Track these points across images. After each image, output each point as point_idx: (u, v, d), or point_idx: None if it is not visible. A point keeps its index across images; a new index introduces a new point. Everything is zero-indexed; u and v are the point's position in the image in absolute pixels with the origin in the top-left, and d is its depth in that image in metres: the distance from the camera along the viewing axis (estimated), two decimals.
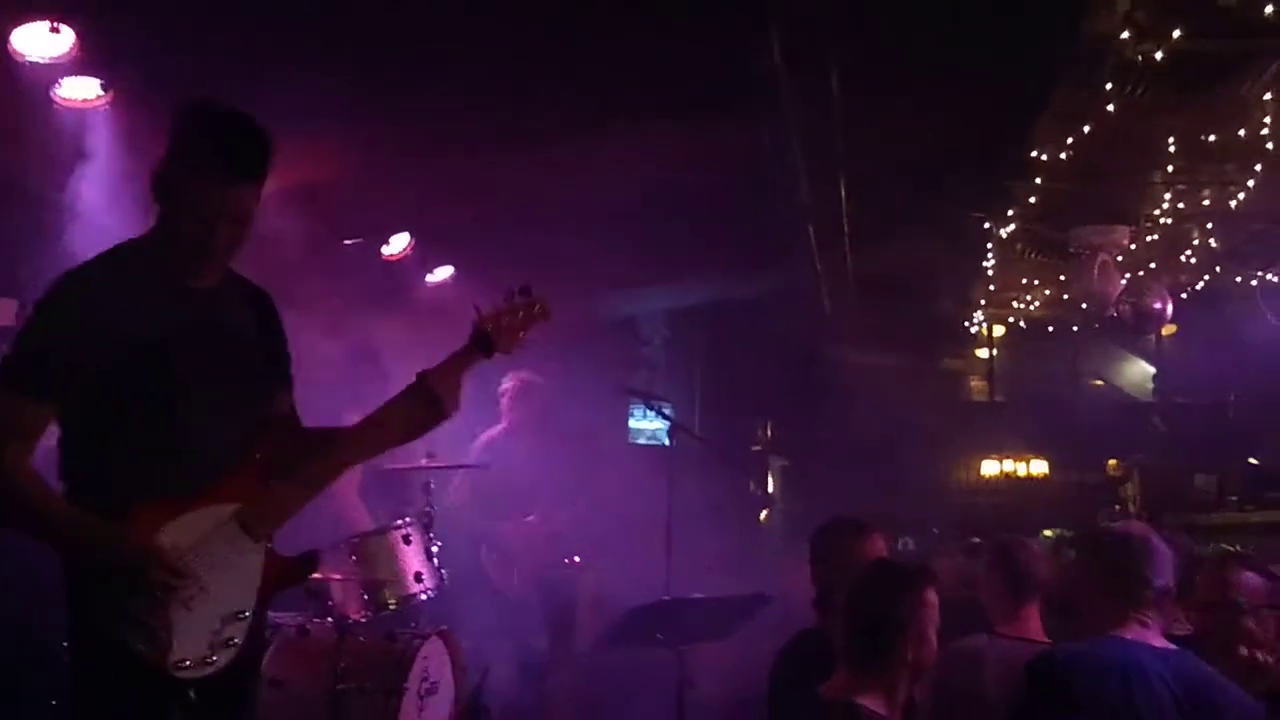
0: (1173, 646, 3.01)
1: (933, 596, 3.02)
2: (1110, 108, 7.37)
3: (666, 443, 5.71)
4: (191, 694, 2.60)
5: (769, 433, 15.79)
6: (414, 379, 2.92)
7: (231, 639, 2.66)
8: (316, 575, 4.54)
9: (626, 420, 11.35)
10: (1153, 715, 2.83)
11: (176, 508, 2.62)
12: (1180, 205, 10.11)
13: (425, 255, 7.42)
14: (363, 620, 4.69)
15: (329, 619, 4.63)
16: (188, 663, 2.58)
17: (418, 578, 4.83)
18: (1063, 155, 8.38)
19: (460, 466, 5.78)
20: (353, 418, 5.77)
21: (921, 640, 2.96)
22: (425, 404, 2.93)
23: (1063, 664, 3.01)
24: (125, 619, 2.53)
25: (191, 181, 2.73)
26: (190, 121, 2.80)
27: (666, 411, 6.00)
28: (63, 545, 2.63)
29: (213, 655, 2.62)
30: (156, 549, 2.56)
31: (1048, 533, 13.39)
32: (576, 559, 8.18)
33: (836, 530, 3.90)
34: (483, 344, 3.01)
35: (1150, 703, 2.86)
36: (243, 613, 2.70)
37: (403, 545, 4.86)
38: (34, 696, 4.33)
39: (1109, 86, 7.12)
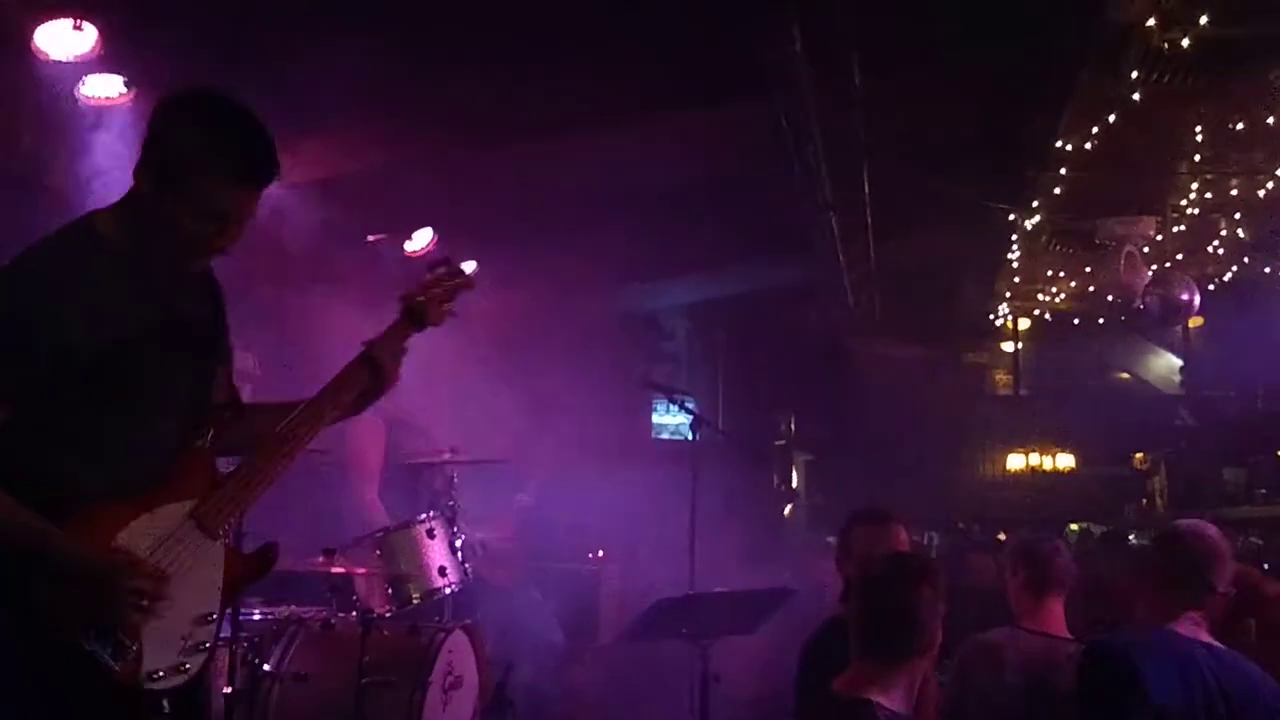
0: (1219, 645, 3.02)
1: (941, 590, 2.99)
2: (1136, 96, 7.31)
3: (690, 437, 5.68)
4: (166, 705, 2.43)
5: (793, 427, 15.74)
6: (360, 349, 2.89)
7: (202, 643, 2.53)
8: (340, 569, 4.56)
9: (650, 415, 11.35)
10: (1205, 709, 2.87)
11: (133, 510, 2.46)
12: (1207, 195, 10.02)
13: (448, 251, 7.41)
14: (387, 614, 4.69)
15: (353, 613, 4.64)
16: (161, 673, 2.42)
17: (441, 572, 4.83)
18: (1088, 145, 8.32)
19: (482, 461, 5.76)
20: (376, 414, 5.79)
21: (934, 633, 2.93)
22: (370, 373, 2.90)
23: (1125, 651, 3.02)
24: (92, 631, 2.33)
25: (205, 175, 2.53)
26: (206, 112, 2.61)
27: (690, 406, 5.98)
28: (14, 548, 2.33)
29: (186, 663, 2.48)
30: (133, 556, 2.40)
31: (1074, 526, 13.33)
32: (600, 554, 8.20)
33: (858, 521, 3.87)
34: (414, 318, 2.98)
35: (1204, 699, 2.91)
36: (210, 615, 2.56)
37: (426, 539, 4.87)
38: None
39: (1135, 75, 7.06)
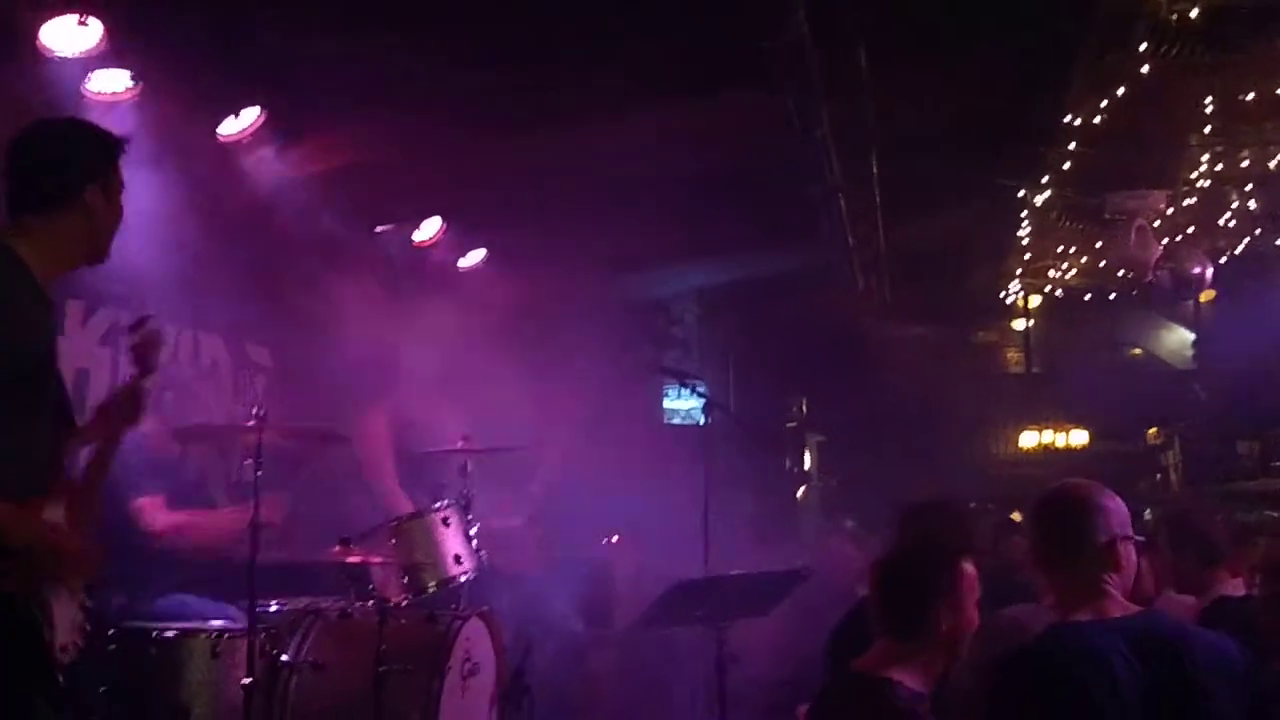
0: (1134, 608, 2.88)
1: (970, 569, 2.96)
2: (1145, 70, 7.26)
3: (701, 421, 5.68)
4: (62, 679, 2.71)
5: (804, 409, 15.73)
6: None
7: (84, 625, 2.83)
8: (356, 558, 4.58)
9: (661, 400, 11.35)
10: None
11: (39, 505, 2.75)
12: (1218, 167, 9.96)
13: (457, 240, 7.43)
14: (403, 603, 4.71)
15: (370, 602, 4.66)
16: (66, 649, 2.73)
17: (457, 560, 4.84)
18: (1096, 120, 8.27)
19: (496, 450, 5.77)
20: (388, 404, 5.81)
21: (958, 613, 2.90)
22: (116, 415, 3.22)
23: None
24: (41, 606, 2.64)
25: (110, 196, 2.94)
26: (94, 136, 2.99)
27: (701, 390, 5.99)
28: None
29: (77, 641, 2.78)
30: (83, 542, 2.76)
31: None
32: (614, 539, 8.21)
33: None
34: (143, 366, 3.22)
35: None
36: (85, 602, 2.84)
37: (441, 527, 4.88)
38: None
39: (1143, 48, 7.02)
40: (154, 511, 4.64)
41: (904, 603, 2.92)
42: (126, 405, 3.20)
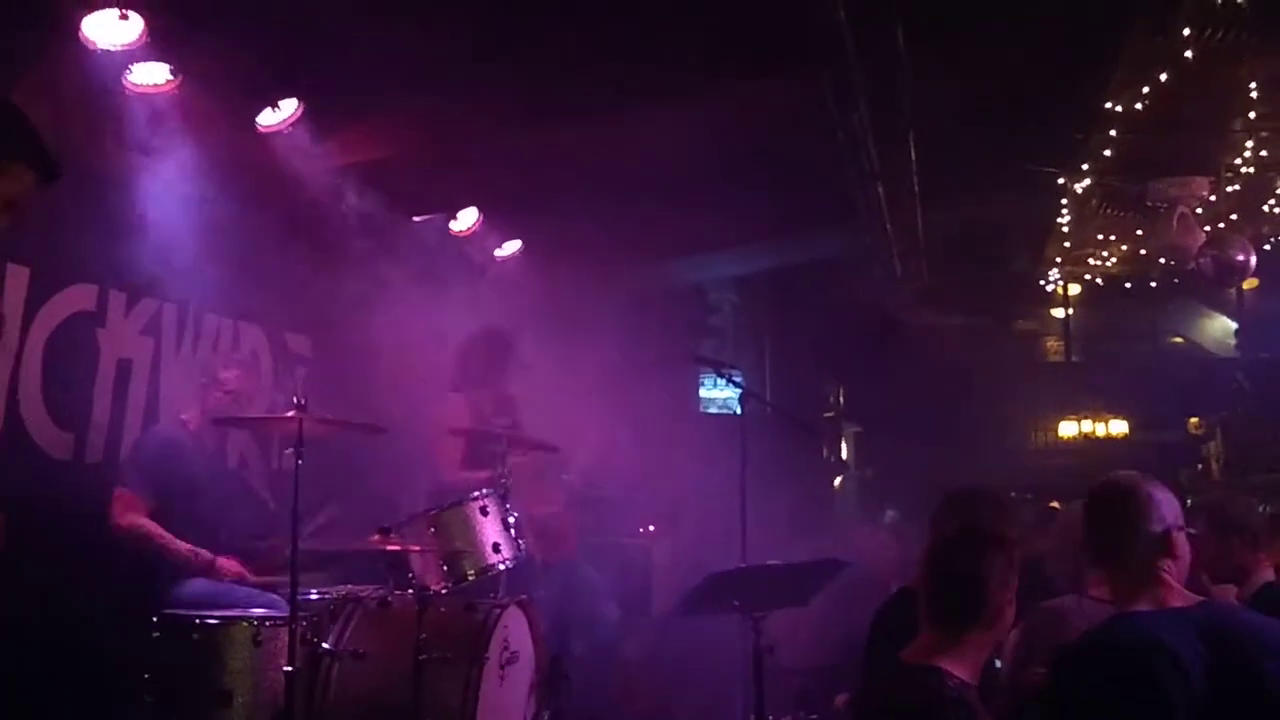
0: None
1: (1013, 562, 2.95)
2: (1188, 54, 7.16)
3: (738, 411, 5.65)
4: None
5: (841, 399, 15.67)
6: None
7: None
8: (394, 547, 4.60)
9: (697, 389, 11.33)
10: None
11: None
12: (1263, 153, 9.82)
13: (493, 230, 7.44)
14: (443, 591, 4.73)
15: (409, 590, 4.68)
16: None
17: (495, 548, 4.85)
18: (1138, 105, 8.18)
19: (534, 439, 5.79)
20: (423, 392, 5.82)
21: (1011, 603, 2.91)
22: None
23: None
24: None
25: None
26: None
27: (737, 379, 5.96)
28: None
29: None
30: None
31: None
32: (651, 528, 8.22)
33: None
34: None
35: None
36: None
37: (480, 516, 4.88)
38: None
39: (1186, 31, 6.92)
40: (125, 506, 4.66)
41: (960, 592, 2.89)
42: None
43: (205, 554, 4.66)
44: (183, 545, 4.65)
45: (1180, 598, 2.75)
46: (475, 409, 5.87)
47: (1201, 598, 2.84)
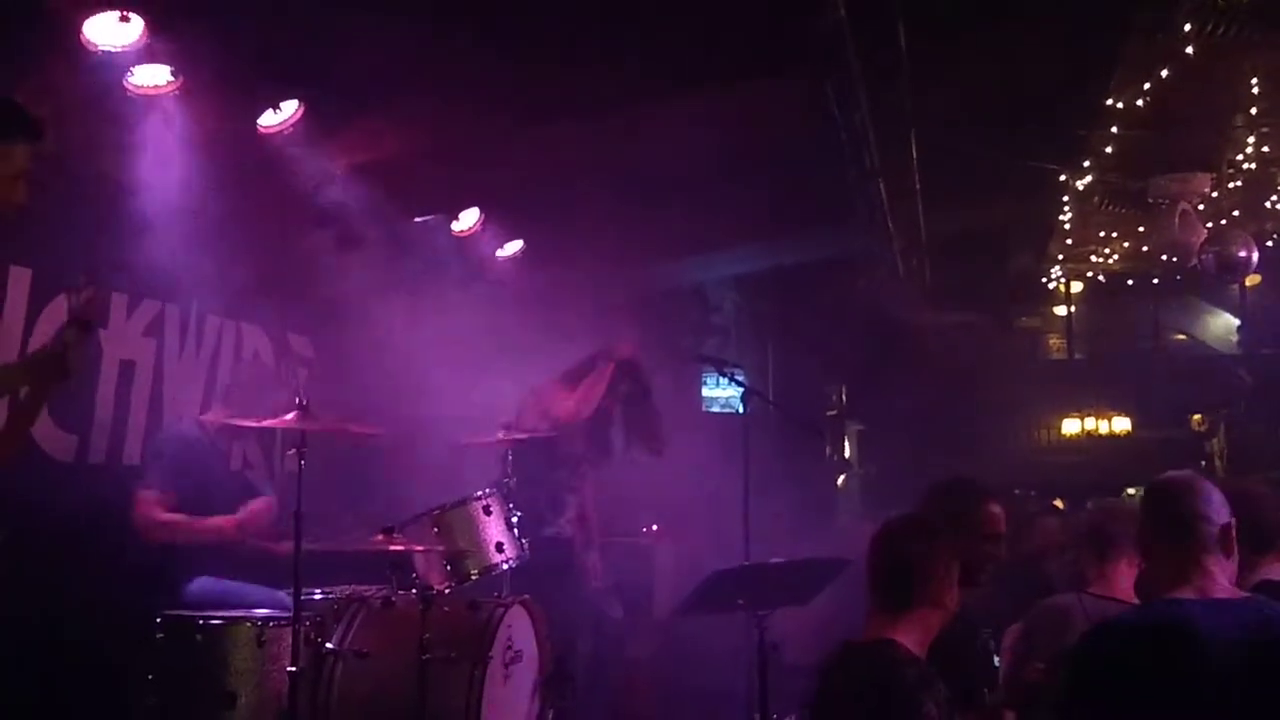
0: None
1: (947, 546, 3.15)
2: (1189, 50, 7.15)
3: (740, 410, 5.65)
4: None
5: (844, 397, 15.66)
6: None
7: None
8: (397, 547, 4.60)
9: (700, 388, 11.32)
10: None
11: None
12: (1265, 149, 9.81)
13: (495, 230, 7.44)
14: (446, 590, 4.73)
15: (413, 590, 4.68)
16: None
17: (499, 548, 4.85)
18: (1139, 102, 8.17)
19: (535, 435, 5.78)
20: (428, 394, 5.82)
21: (940, 589, 3.09)
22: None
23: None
24: None
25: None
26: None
27: (740, 378, 5.95)
28: None
29: None
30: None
31: (1130, 491, 13.18)
32: (654, 528, 8.21)
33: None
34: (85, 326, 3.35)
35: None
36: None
37: (483, 516, 4.89)
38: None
39: (1187, 28, 6.91)
40: (151, 507, 4.73)
41: (893, 575, 3.12)
42: (53, 363, 3.23)
43: (229, 519, 4.78)
44: (210, 522, 4.75)
45: (1225, 590, 2.76)
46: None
47: (1248, 593, 2.85)
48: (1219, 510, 2.83)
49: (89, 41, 4.48)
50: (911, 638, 3.02)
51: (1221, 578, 2.77)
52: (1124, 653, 2.69)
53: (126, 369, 5.24)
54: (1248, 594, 2.82)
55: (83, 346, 3.27)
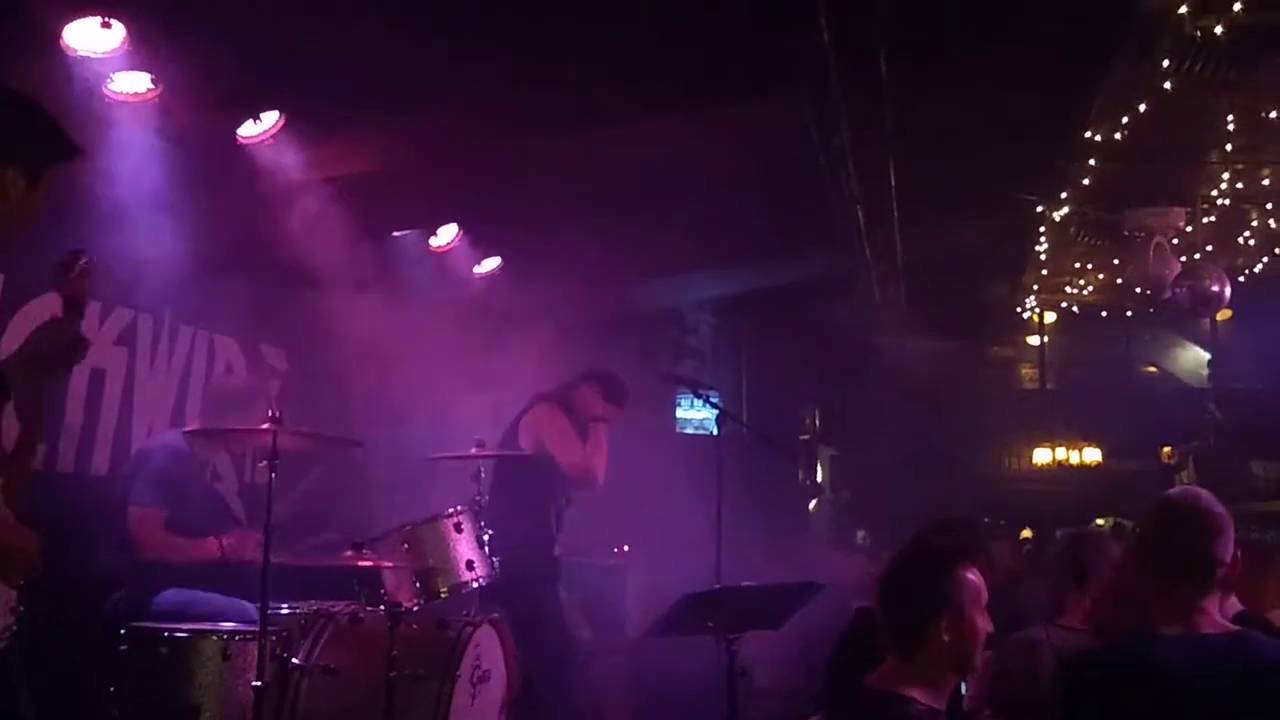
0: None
1: (972, 576, 2.85)
2: (1167, 85, 7.23)
3: (714, 432, 5.65)
4: None
5: (817, 422, 15.70)
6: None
7: (18, 607, 2.90)
8: (366, 563, 4.57)
9: (674, 410, 11.32)
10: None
11: None
12: (1238, 185, 9.93)
13: (473, 247, 7.43)
14: (415, 608, 4.69)
15: (381, 607, 4.64)
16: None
17: (469, 565, 4.82)
18: (1117, 135, 8.26)
19: (507, 455, 5.77)
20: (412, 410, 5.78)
21: (962, 622, 2.79)
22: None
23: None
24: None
25: (31, 188, 2.79)
26: (31, 122, 2.83)
27: (714, 400, 5.96)
28: None
29: (10, 623, 2.88)
30: (29, 530, 2.83)
31: (1100, 521, 13.26)
32: (625, 549, 8.18)
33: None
34: (76, 310, 3.10)
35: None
36: (18, 581, 2.92)
37: (454, 533, 4.86)
38: None
39: (1166, 63, 6.99)
40: (150, 526, 4.68)
41: (904, 617, 2.83)
42: (58, 348, 3.04)
43: (216, 544, 4.75)
44: (207, 545, 4.72)
45: (1214, 625, 2.73)
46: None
47: (1237, 627, 2.82)
48: (1227, 547, 2.77)
49: (69, 47, 4.45)
50: (931, 685, 2.78)
51: (1214, 612, 2.75)
52: (1100, 689, 2.67)
53: (97, 378, 5.20)
54: (1236, 629, 2.80)
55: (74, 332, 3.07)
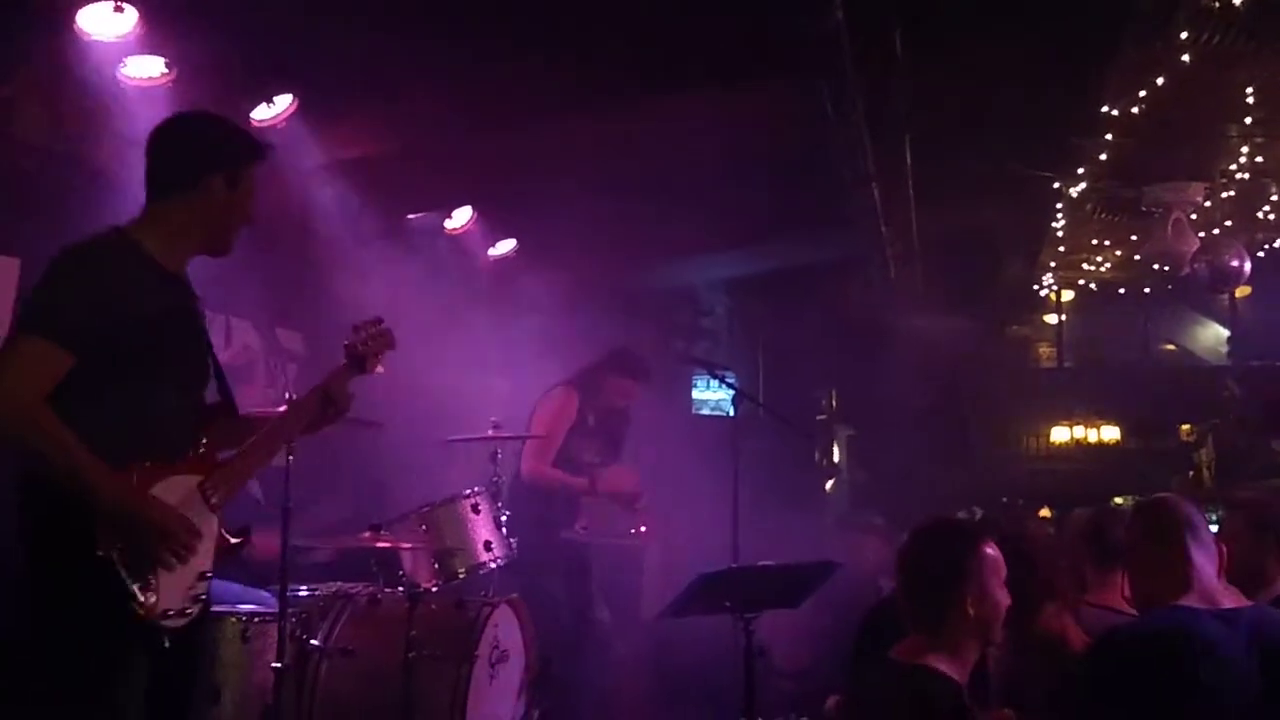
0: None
1: (992, 551, 2.91)
2: (1185, 58, 7.15)
3: (730, 413, 5.64)
4: (166, 642, 2.85)
5: (834, 402, 15.66)
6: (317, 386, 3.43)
7: (200, 594, 2.98)
8: (385, 544, 4.59)
9: (690, 390, 11.31)
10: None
11: (158, 473, 2.89)
12: (1258, 159, 9.83)
13: (488, 229, 7.43)
14: (433, 589, 4.71)
15: (400, 588, 4.66)
16: (171, 612, 2.85)
17: (487, 546, 4.83)
18: (1135, 110, 8.18)
19: (523, 437, 5.78)
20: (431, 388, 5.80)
21: (984, 596, 2.85)
22: (325, 404, 3.41)
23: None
24: (138, 569, 2.79)
25: (237, 191, 3.14)
26: (225, 131, 3.20)
27: (730, 381, 5.95)
28: (91, 493, 2.75)
29: (188, 608, 2.93)
30: (184, 515, 2.88)
31: (1118, 500, 13.20)
32: (643, 529, 8.19)
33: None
34: (357, 364, 3.51)
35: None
36: (207, 572, 3.00)
37: (471, 514, 4.87)
38: None
39: (1184, 36, 6.92)
40: None
41: (927, 591, 2.89)
42: (323, 402, 3.36)
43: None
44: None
45: (1232, 599, 2.78)
46: (581, 412, 5.94)
47: (1252, 601, 2.86)
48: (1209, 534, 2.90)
49: (82, 31, 4.46)
50: (955, 658, 2.82)
51: (1224, 588, 2.82)
52: (1136, 661, 2.68)
53: None
54: (1252, 603, 2.83)
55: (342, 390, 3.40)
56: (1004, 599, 2.89)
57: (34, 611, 2.84)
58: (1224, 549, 2.92)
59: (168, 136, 3.14)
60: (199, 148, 3.13)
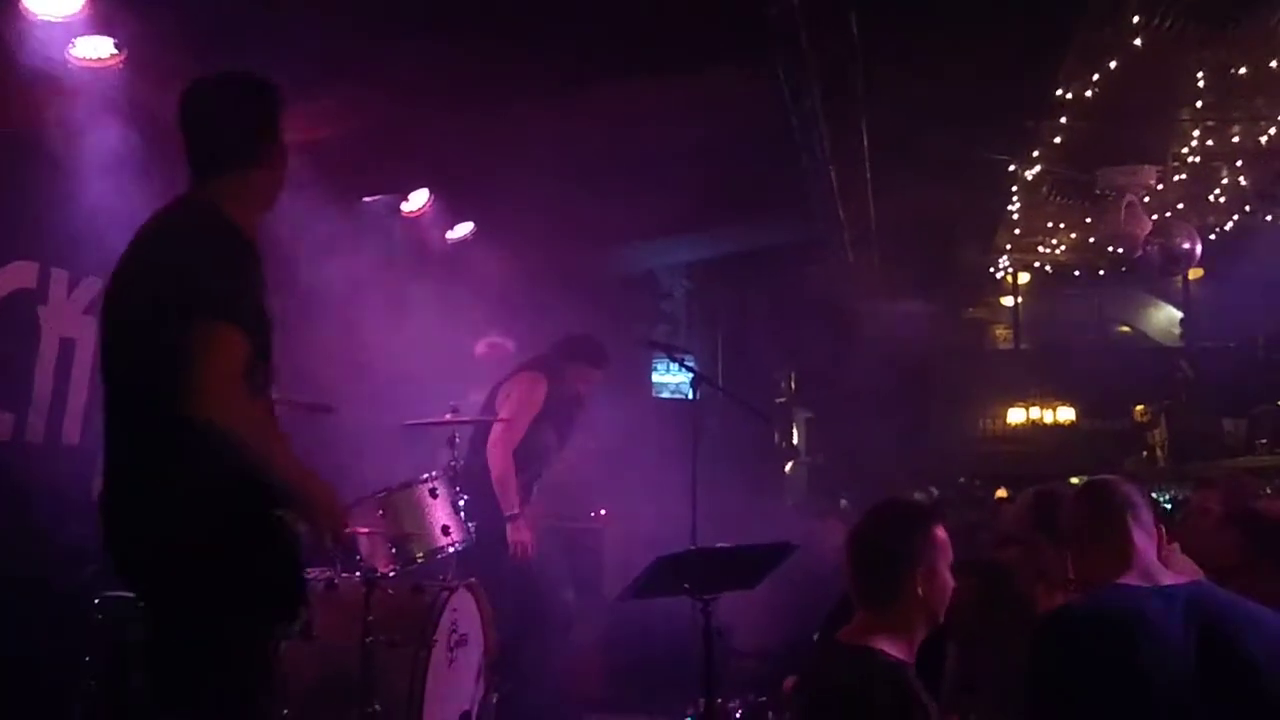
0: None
1: (942, 533, 2.96)
2: (1138, 42, 7.23)
3: (690, 396, 5.67)
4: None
5: (793, 385, 15.75)
6: None
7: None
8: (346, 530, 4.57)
9: (650, 374, 11.34)
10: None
11: None
12: (1209, 143, 9.96)
13: (445, 211, 7.39)
14: (391, 574, 4.70)
15: (357, 573, 4.65)
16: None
17: (445, 531, 4.82)
18: (1088, 93, 8.26)
19: (483, 420, 5.77)
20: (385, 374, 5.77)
21: (933, 577, 2.90)
22: None
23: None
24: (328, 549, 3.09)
25: (280, 146, 3.17)
26: (268, 91, 3.19)
27: (690, 364, 5.97)
28: (298, 486, 2.94)
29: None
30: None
31: (1074, 480, 13.37)
32: (603, 512, 8.21)
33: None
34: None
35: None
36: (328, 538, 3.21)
37: (429, 499, 4.85)
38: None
39: (1136, 20, 6.98)
40: None
41: (875, 570, 2.93)
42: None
43: None
44: None
45: (1169, 576, 2.82)
46: (548, 399, 5.96)
47: (1190, 577, 2.91)
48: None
49: (29, 11, 4.38)
50: (900, 639, 2.86)
51: (1162, 565, 2.86)
52: (1076, 641, 2.72)
53: (67, 347, 5.15)
54: (1190, 579, 2.87)
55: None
56: (951, 580, 2.93)
57: (222, 571, 2.88)
58: (1163, 529, 2.96)
59: (235, 104, 3.15)
60: (265, 114, 3.14)
